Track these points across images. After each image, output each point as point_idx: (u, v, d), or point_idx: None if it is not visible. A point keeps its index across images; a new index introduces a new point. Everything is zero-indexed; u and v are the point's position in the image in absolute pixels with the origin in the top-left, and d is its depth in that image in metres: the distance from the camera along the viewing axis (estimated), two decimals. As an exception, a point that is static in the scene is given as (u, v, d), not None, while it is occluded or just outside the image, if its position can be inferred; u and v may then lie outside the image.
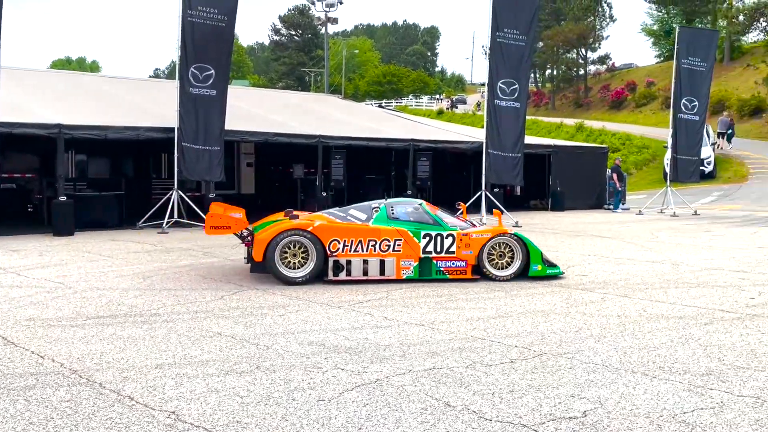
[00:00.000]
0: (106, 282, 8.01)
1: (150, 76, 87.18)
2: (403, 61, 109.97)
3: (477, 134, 20.50)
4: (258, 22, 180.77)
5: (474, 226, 8.79)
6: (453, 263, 8.19)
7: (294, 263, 7.82)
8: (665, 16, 68.95)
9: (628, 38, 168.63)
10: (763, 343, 5.44)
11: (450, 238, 8.17)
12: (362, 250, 7.97)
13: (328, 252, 7.87)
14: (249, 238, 8.06)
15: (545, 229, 14.64)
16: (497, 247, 8.29)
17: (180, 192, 14.27)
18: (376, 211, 8.36)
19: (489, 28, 15.59)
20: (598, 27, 65.27)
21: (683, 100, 19.57)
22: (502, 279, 8.18)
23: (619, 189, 21.02)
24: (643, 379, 4.52)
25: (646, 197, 22.41)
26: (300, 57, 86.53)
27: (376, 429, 3.65)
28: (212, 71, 14.09)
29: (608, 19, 66.76)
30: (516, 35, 15.36)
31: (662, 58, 65.94)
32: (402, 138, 18.38)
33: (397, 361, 4.87)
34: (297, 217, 8.32)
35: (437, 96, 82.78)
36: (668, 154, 20.66)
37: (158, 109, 15.89)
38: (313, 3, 56.42)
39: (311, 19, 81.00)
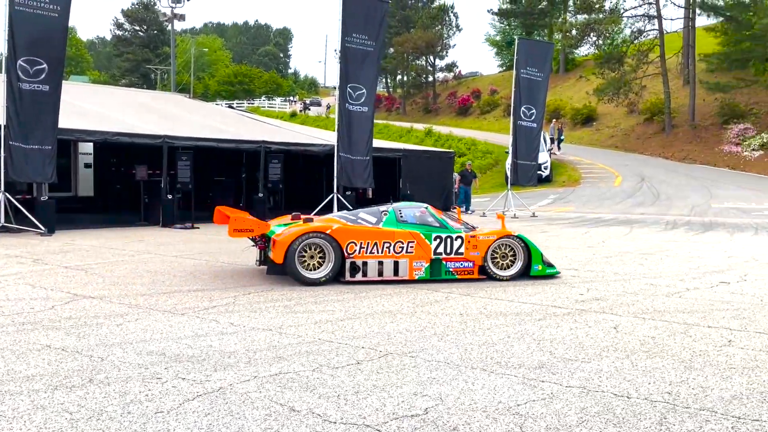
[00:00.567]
0: None
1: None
2: (255, 61, 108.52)
3: (329, 137, 20.59)
4: (99, 16, 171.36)
5: (472, 228, 9.02)
6: (461, 264, 8.54)
7: (312, 265, 8.05)
8: (507, 27, 72.93)
9: (473, 48, 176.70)
10: (589, 336, 5.84)
11: (459, 240, 8.52)
12: (377, 252, 8.27)
13: (346, 254, 8.12)
14: (262, 241, 8.37)
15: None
16: (500, 249, 8.68)
17: (7, 194, 13.19)
18: (385, 214, 8.64)
19: (339, 33, 15.71)
20: (445, 36, 67.78)
21: (522, 108, 20.73)
22: (505, 279, 8.57)
23: (456, 192, 21.92)
24: (481, 374, 4.70)
25: (490, 200, 23.53)
26: (145, 53, 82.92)
27: (216, 439, 3.53)
28: (44, 65, 13.15)
29: (455, 29, 69.62)
30: (364, 40, 15.58)
31: (504, 68, 69.71)
32: (253, 140, 18.09)
33: (242, 368, 4.76)
34: (311, 219, 8.56)
35: (291, 98, 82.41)
36: (509, 159, 21.80)
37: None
38: (158, -2, 54.32)
39: (157, 14, 77.72)
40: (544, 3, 63.95)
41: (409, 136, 44.03)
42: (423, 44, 63.50)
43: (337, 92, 16.10)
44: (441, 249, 8.46)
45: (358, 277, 8.18)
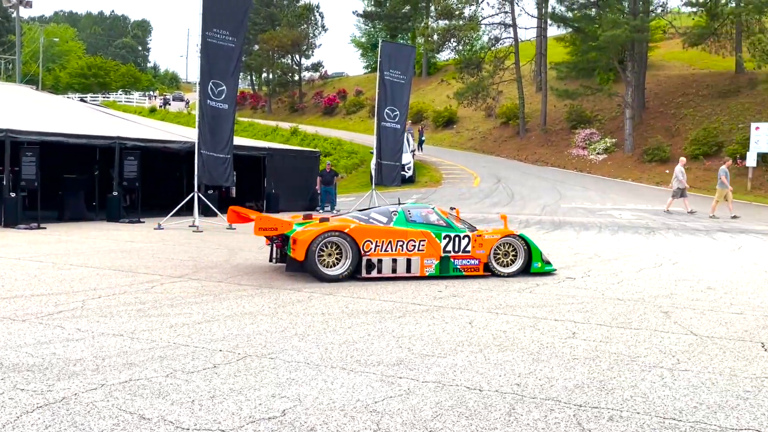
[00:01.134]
0: None
1: None
2: (111, 53, 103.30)
3: (190, 134, 19.94)
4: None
5: (473, 228, 9.40)
6: (468, 261, 9.00)
7: (329, 262, 8.43)
8: (372, 30, 73.89)
9: (340, 48, 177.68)
10: (446, 331, 6.01)
11: (466, 239, 9.00)
12: (391, 250, 8.69)
13: (362, 252, 8.49)
14: (279, 239, 8.85)
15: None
16: (503, 247, 9.19)
17: None
18: (395, 214, 9.07)
19: (200, 27, 15.24)
20: (311, 35, 67.60)
21: (386, 110, 21.10)
22: (507, 275, 9.03)
23: (318, 192, 21.94)
24: (341, 373, 4.71)
25: (355, 199, 23.72)
26: (-13, 41, 76.72)
27: (57, 454, 3.31)
28: None
29: (321, 29, 69.49)
30: (226, 36, 15.19)
31: (370, 69, 70.55)
32: (107, 135, 17.18)
33: (89, 376, 4.49)
34: (327, 219, 8.90)
35: (151, 93, 79.18)
36: (374, 160, 22.10)
37: None
38: (3, -19, 50.30)
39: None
40: (408, 7, 65.34)
41: (275, 135, 43.55)
42: (289, 42, 62.99)
43: (197, 88, 15.59)
44: (450, 247, 8.94)
45: (374, 273, 8.59)
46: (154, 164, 20.09)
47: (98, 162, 18.26)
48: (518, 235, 9.34)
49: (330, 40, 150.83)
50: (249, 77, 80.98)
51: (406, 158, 29.79)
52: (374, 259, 8.60)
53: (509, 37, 45.18)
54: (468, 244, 9.02)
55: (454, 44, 46.37)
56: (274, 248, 9.24)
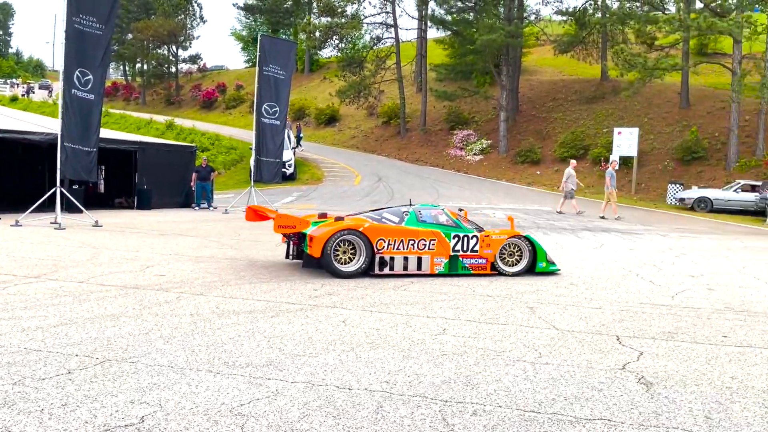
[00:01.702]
0: None
1: None
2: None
3: (53, 125, 18.77)
4: None
5: (480, 228, 9.65)
6: (476, 260, 9.30)
7: (344, 259, 8.74)
8: (253, 23, 72.63)
9: (219, 41, 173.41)
10: (319, 330, 5.96)
11: (474, 239, 9.28)
12: (403, 248, 9.00)
13: (375, 250, 8.80)
14: (296, 237, 9.26)
15: (127, 228, 14.06)
16: (509, 247, 9.49)
17: None
18: (407, 214, 9.36)
19: (65, 12, 14.34)
20: (189, 26, 65.60)
21: (265, 105, 20.74)
22: (512, 275, 9.31)
23: (193, 188, 21.30)
24: (207, 376, 4.55)
25: (234, 196, 23.20)
26: None
27: None
28: None
29: (199, 20, 67.61)
30: (93, 23, 14.35)
31: (250, 63, 69.28)
32: (-42, 124, 15.88)
33: (-77, 388, 4.09)
34: (342, 218, 9.20)
35: (13, 81, 74.15)
36: (253, 156, 21.67)
37: None
38: None
39: None
40: (290, 2, 64.76)
41: (149, 128, 41.89)
42: (165, 33, 60.77)
43: (62, 77, 14.66)
44: (459, 247, 9.23)
45: (386, 270, 8.89)
46: (12, 157, 18.78)
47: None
48: (524, 236, 9.65)
49: (209, 32, 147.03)
50: (122, 67, 77.55)
51: (287, 155, 29.51)
52: (387, 257, 8.94)
53: (390, 38, 45.80)
54: (476, 243, 9.33)
55: (336, 42, 46.44)
56: (291, 245, 9.59)
